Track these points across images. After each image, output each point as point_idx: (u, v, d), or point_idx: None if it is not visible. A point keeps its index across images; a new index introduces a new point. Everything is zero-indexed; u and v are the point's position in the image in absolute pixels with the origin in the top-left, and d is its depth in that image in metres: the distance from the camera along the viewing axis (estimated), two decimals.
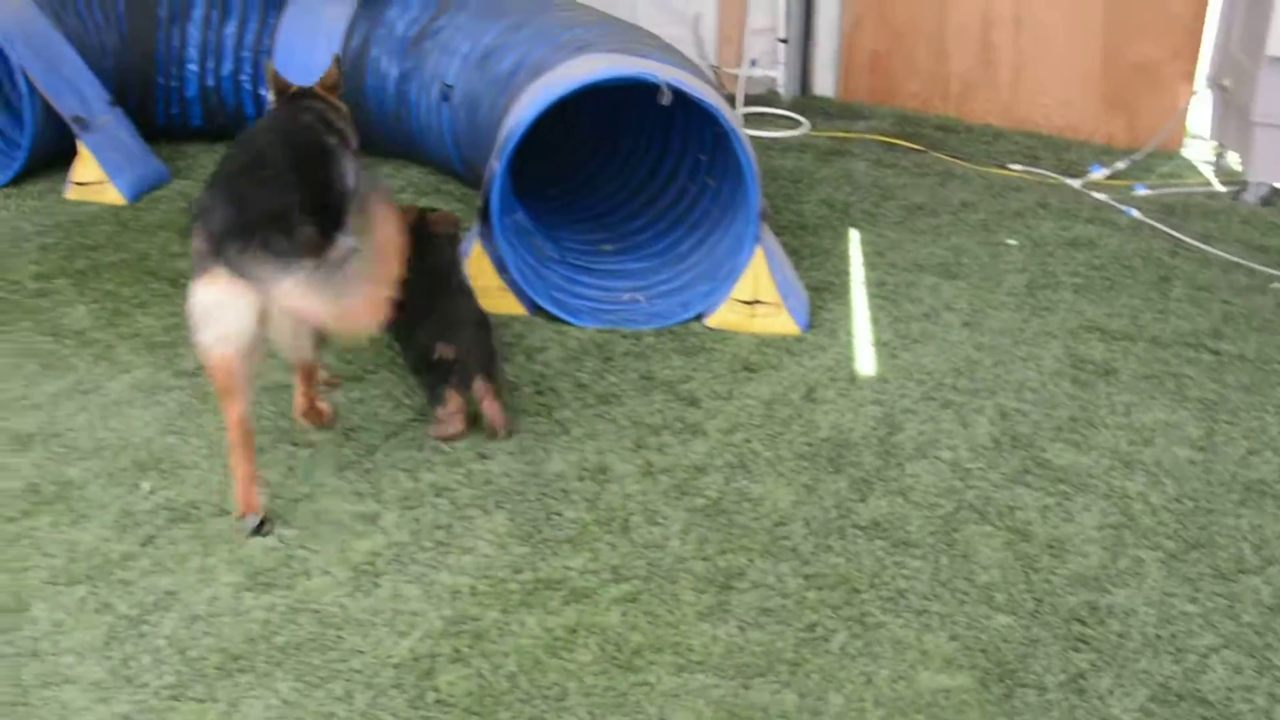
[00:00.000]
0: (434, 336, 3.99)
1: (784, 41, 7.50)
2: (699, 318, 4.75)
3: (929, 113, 7.34)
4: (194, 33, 6.36)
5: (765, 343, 4.62)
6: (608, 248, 5.25)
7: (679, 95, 4.48)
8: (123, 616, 3.23)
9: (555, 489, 3.76)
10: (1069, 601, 3.35)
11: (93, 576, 3.37)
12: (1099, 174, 6.39)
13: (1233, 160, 6.44)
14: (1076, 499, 3.78)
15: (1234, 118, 6.21)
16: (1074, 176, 6.37)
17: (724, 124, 4.55)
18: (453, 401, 4.00)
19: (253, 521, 3.56)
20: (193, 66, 6.39)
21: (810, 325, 4.74)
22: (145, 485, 3.76)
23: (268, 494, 3.67)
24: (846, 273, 5.23)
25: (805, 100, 7.62)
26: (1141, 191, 6.18)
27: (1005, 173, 6.46)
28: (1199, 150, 6.80)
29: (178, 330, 4.63)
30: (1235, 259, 5.41)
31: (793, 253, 5.23)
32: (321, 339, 3.72)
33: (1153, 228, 5.74)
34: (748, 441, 4.02)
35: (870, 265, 5.31)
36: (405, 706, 2.96)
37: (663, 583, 3.37)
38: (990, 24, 7.05)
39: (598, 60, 4.69)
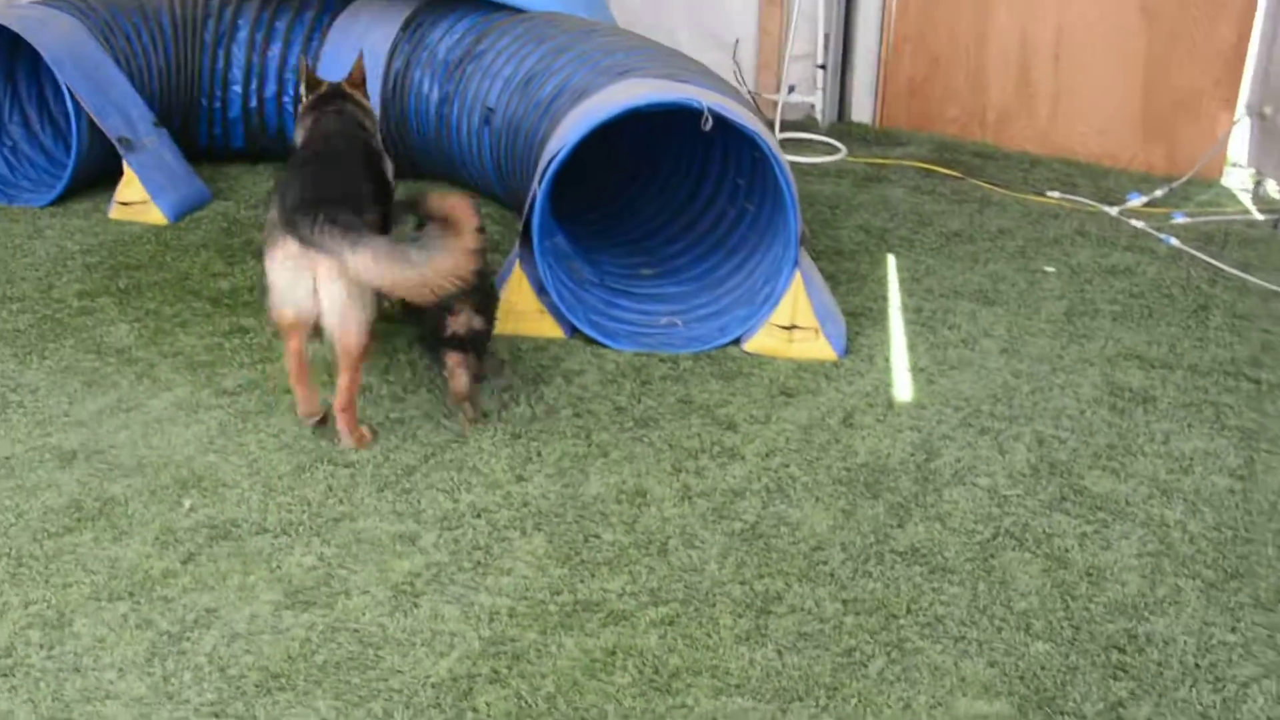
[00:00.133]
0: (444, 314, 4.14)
1: (822, 68, 7.51)
2: (736, 342, 4.76)
3: (967, 139, 7.34)
4: (238, 55, 6.44)
5: (802, 368, 4.63)
6: (646, 271, 5.27)
7: (720, 120, 4.50)
8: (164, 633, 3.25)
9: (593, 511, 3.77)
10: (1107, 629, 3.33)
11: (134, 593, 3.40)
12: (1137, 202, 6.37)
13: (1272, 188, 6.42)
14: (1115, 526, 3.76)
15: (1274, 146, 6.19)
16: (1112, 204, 6.36)
17: (765, 149, 4.56)
18: (452, 359, 4.18)
19: (312, 422, 4.15)
20: (236, 88, 6.47)
21: (847, 351, 4.75)
22: (186, 503, 3.79)
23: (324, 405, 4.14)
24: (884, 298, 5.24)
25: (843, 126, 7.63)
26: (1180, 219, 6.16)
27: (1043, 200, 6.45)
28: (1238, 178, 6.78)
29: (219, 349, 4.69)
30: (1274, 288, 5.38)
31: (830, 278, 5.24)
32: (369, 325, 4.00)
33: (1191, 256, 5.72)
34: (785, 466, 4.02)
35: (908, 291, 5.31)
36: None
37: (701, 606, 3.37)
38: (1029, 52, 7.06)
39: (640, 85, 4.71)
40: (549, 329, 4.75)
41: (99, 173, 6.05)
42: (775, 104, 7.47)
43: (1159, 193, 6.42)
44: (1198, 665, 3.22)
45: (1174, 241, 5.87)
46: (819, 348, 4.67)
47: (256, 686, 3.08)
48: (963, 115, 7.38)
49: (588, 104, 4.73)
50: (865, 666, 3.18)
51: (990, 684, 3.14)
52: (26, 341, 4.73)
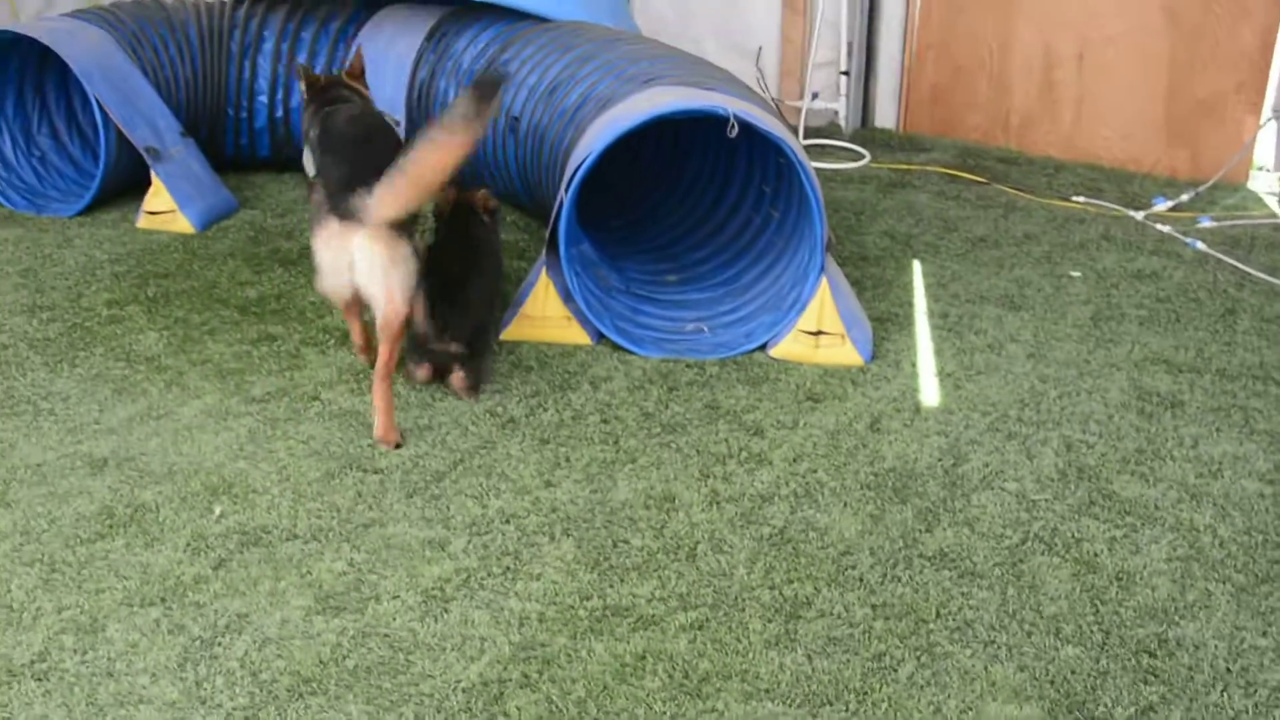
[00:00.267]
0: (444, 325, 4.39)
1: (846, 74, 7.53)
2: (763, 348, 4.76)
3: (990, 145, 7.34)
4: (264, 65, 6.48)
5: (829, 373, 4.63)
6: (672, 278, 5.28)
7: (745, 126, 4.51)
8: (196, 638, 3.27)
9: (622, 517, 3.78)
10: (1138, 634, 3.33)
11: (166, 599, 3.42)
12: (1162, 206, 6.36)
13: None
14: (1144, 531, 3.75)
15: None
16: (1137, 209, 6.35)
17: (791, 155, 4.57)
18: (422, 371, 4.47)
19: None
20: (262, 98, 6.52)
21: (874, 356, 4.75)
22: (216, 509, 3.81)
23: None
24: (909, 304, 5.24)
25: (866, 132, 7.64)
26: (1206, 224, 6.15)
27: (1068, 205, 6.44)
28: (1264, 182, 6.77)
29: (247, 357, 4.72)
30: None
31: (855, 284, 5.24)
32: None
33: (1218, 260, 5.71)
34: (813, 471, 4.03)
35: (933, 297, 5.31)
36: None
37: (730, 611, 3.38)
38: (1052, 57, 7.05)
39: (665, 93, 4.73)
40: (576, 336, 4.77)
41: (127, 183, 6.11)
42: (799, 111, 7.48)
43: (1184, 197, 6.41)
44: (1229, 670, 3.21)
45: (1200, 246, 5.85)
46: (845, 353, 4.68)
47: (288, 691, 3.10)
48: (986, 121, 7.38)
49: (613, 112, 4.75)
50: (895, 671, 3.18)
51: (1020, 688, 3.13)
52: (57, 350, 4.77)
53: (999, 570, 3.56)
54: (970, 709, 3.07)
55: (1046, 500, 3.89)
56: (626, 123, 4.54)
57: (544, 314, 4.75)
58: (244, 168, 6.63)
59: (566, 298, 4.74)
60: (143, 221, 5.96)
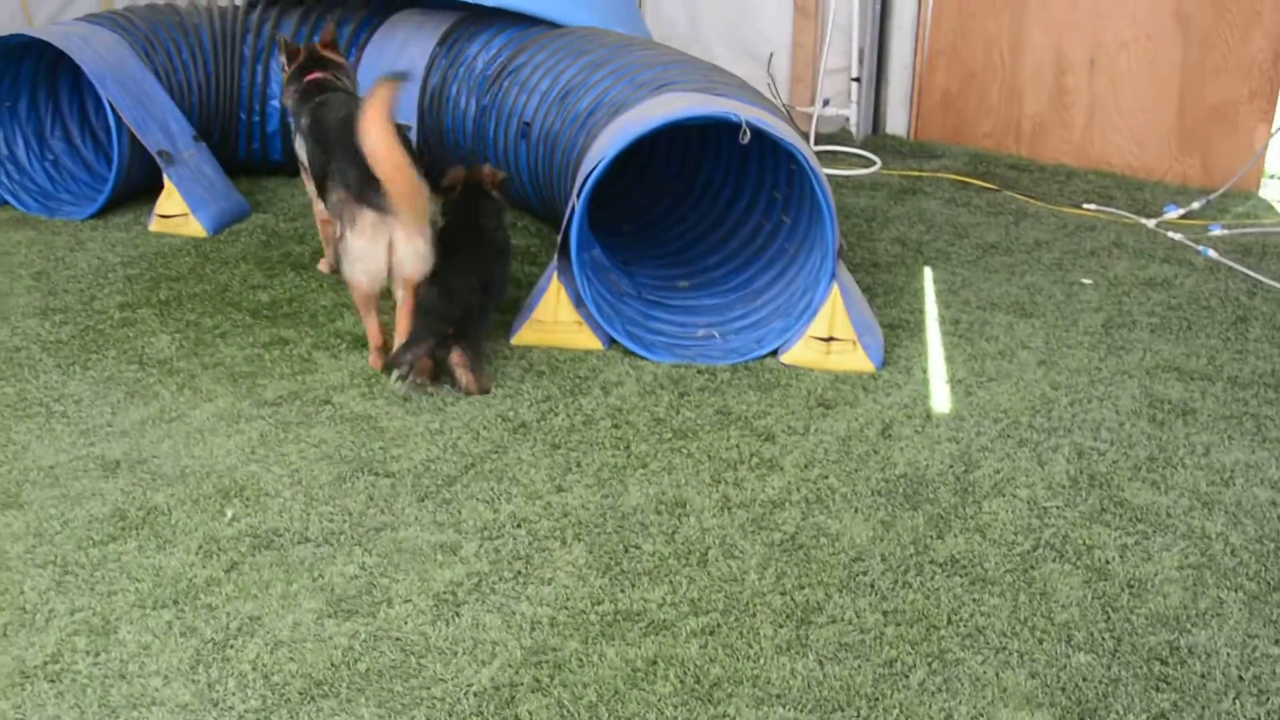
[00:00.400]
0: (442, 303, 4.49)
1: (857, 81, 7.53)
2: (774, 354, 4.77)
3: (1002, 152, 7.34)
4: (277, 70, 6.49)
5: (840, 379, 4.63)
6: (683, 284, 5.28)
7: (757, 133, 4.51)
8: (208, 641, 3.28)
9: (633, 522, 3.78)
10: (1149, 641, 3.32)
11: (178, 601, 3.43)
12: (1174, 214, 6.35)
13: None
14: (1155, 538, 3.75)
15: None
16: (1149, 216, 6.34)
17: (803, 161, 4.57)
18: (422, 365, 4.49)
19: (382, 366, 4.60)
20: (275, 103, 6.54)
21: (885, 362, 4.75)
22: (228, 512, 3.82)
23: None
24: (921, 310, 5.24)
25: (877, 139, 7.64)
26: (1217, 231, 6.14)
27: (1079, 212, 6.44)
28: (1276, 190, 6.75)
29: (259, 360, 4.73)
30: None
31: (866, 290, 5.24)
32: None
33: (1229, 268, 5.70)
34: (824, 477, 4.03)
35: (944, 303, 5.31)
36: None
37: (741, 616, 3.38)
38: (1064, 65, 7.05)
39: (678, 99, 4.73)
40: (587, 341, 4.77)
41: (139, 186, 6.13)
42: (810, 117, 7.49)
43: (1196, 205, 6.39)
44: (1241, 678, 3.20)
45: (1211, 253, 5.84)
46: (857, 359, 4.68)
47: (300, 694, 3.10)
48: (998, 128, 7.38)
49: (625, 117, 4.76)
50: (906, 677, 3.18)
51: (1032, 695, 3.13)
52: (69, 352, 4.78)
53: (1010, 577, 3.56)
54: (981, 715, 3.07)
55: (1058, 507, 3.89)
56: (639, 128, 4.54)
57: (555, 319, 4.75)
58: (256, 172, 6.65)
59: (578, 303, 4.74)
60: (155, 225, 5.97)
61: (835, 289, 4.66)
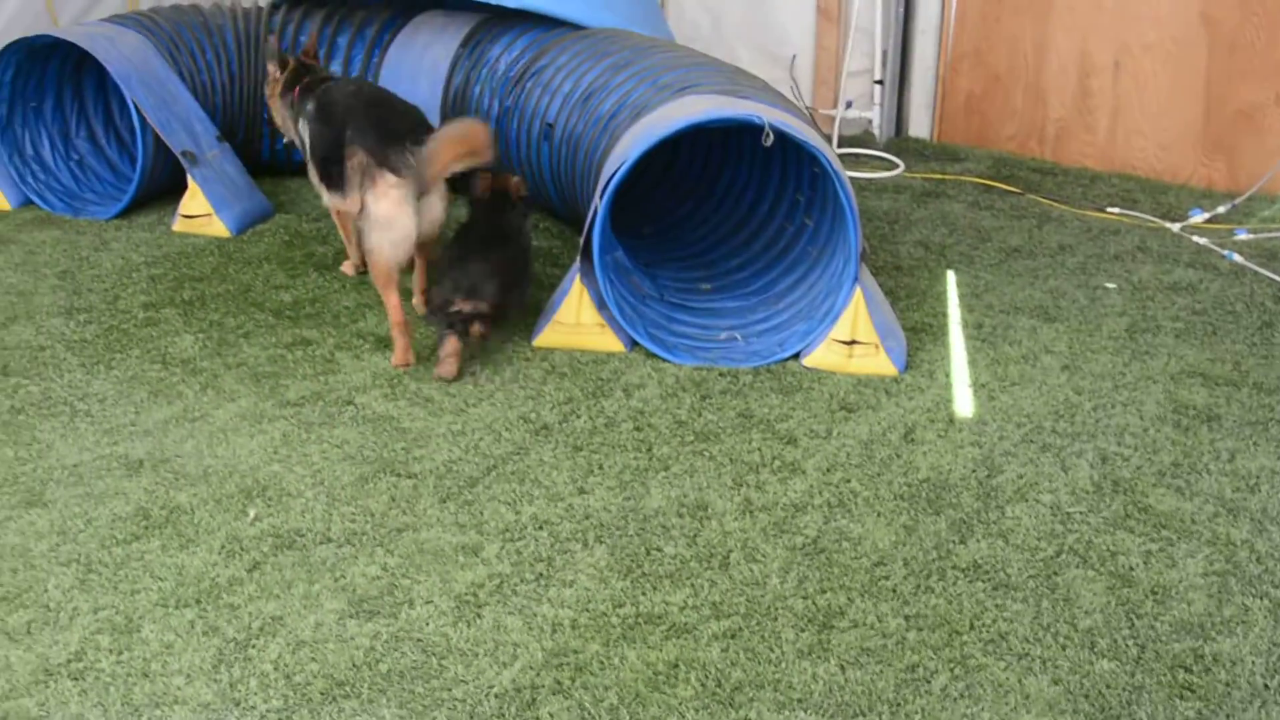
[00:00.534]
0: (457, 288, 4.59)
1: (879, 83, 7.51)
2: (796, 357, 4.76)
3: (1025, 155, 7.31)
4: None
5: (863, 383, 4.62)
6: (705, 286, 5.28)
7: (780, 135, 4.50)
8: (230, 640, 3.29)
9: (655, 524, 3.78)
10: (1173, 648, 3.30)
11: (201, 600, 3.44)
12: (1199, 218, 6.32)
13: None
14: (1180, 545, 3.73)
15: None
16: (1173, 220, 6.31)
17: (826, 164, 4.57)
18: (449, 344, 4.59)
19: (406, 368, 4.69)
20: None
21: (908, 366, 4.73)
22: (251, 512, 3.83)
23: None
24: (944, 314, 5.22)
25: (900, 142, 7.62)
26: (1243, 236, 6.11)
27: (1103, 216, 6.41)
28: None
29: (282, 360, 4.74)
30: None
31: (889, 293, 5.23)
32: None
33: (1255, 272, 5.67)
34: (846, 481, 4.02)
35: (967, 307, 5.29)
36: None
37: (763, 620, 3.37)
38: (1089, 68, 7.02)
39: (700, 101, 4.73)
40: (609, 343, 4.77)
41: (163, 186, 6.15)
42: (833, 119, 7.47)
43: (1221, 209, 6.36)
44: (1266, 686, 3.18)
45: (1237, 258, 5.81)
46: (879, 363, 4.66)
47: (321, 694, 3.11)
48: (1021, 131, 7.35)
49: (648, 120, 4.75)
50: (928, 683, 3.17)
51: (1055, 702, 3.12)
52: (94, 352, 4.80)
53: (1033, 583, 3.55)
54: None
55: (1081, 513, 3.87)
56: (661, 131, 4.54)
57: (577, 321, 4.75)
58: (279, 172, 6.67)
59: (600, 305, 4.74)
60: (179, 225, 5.99)
61: (858, 292, 4.65)
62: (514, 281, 4.78)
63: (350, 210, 4.79)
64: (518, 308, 4.84)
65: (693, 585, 3.51)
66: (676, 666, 3.19)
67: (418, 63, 6.23)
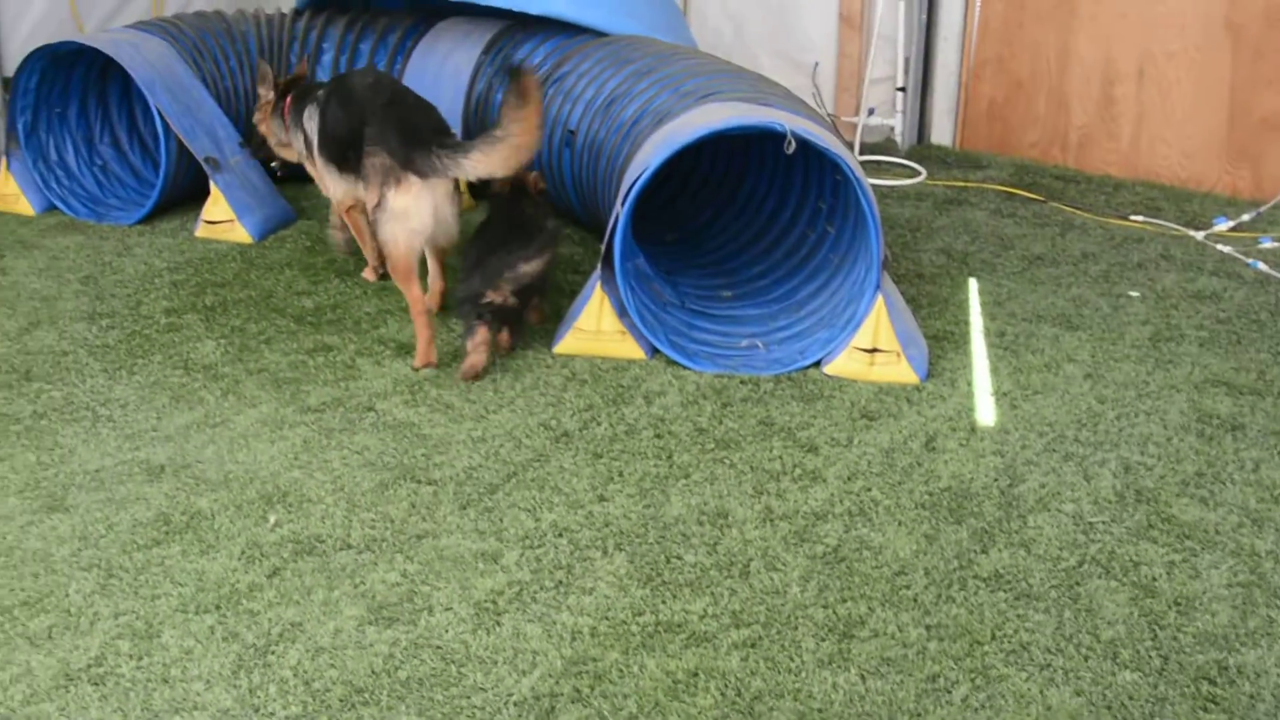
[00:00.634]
0: (490, 281, 4.65)
1: (902, 90, 7.50)
2: (817, 364, 4.74)
3: (1048, 163, 7.29)
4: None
5: (884, 391, 4.60)
6: (726, 293, 5.27)
7: (802, 143, 4.49)
8: (249, 646, 3.29)
9: (675, 532, 3.77)
10: (1197, 660, 3.28)
11: (220, 606, 3.44)
12: (1223, 226, 6.28)
13: None
14: (1204, 555, 3.70)
15: None
16: (1197, 228, 6.28)
17: (848, 172, 4.55)
18: (479, 334, 4.65)
19: (429, 371, 4.73)
20: None
21: (929, 374, 4.72)
22: (271, 518, 3.83)
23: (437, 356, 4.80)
24: (966, 322, 5.20)
25: (923, 149, 7.61)
26: (1268, 244, 6.07)
27: (1126, 224, 6.38)
28: None
29: (303, 366, 4.75)
30: None
31: (911, 301, 5.21)
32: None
33: None
34: (867, 490, 4.00)
35: (990, 315, 5.27)
36: None
37: (783, 629, 3.36)
38: (1113, 75, 6.99)
39: (722, 109, 4.72)
40: (630, 350, 4.76)
41: (186, 192, 6.18)
42: (855, 126, 7.46)
43: (1246, 217, 6.33)
44: None
45: (1262, 266, 5.78)
46: (901, 371, 4.65)
47: (340, 701, 3.10)
48: (1044, 138, 7.33)
49: (670, 127, 4.75)
50: (949, 693, 3.15)
51: (1077, 713, 3.09)
52: (116, 357, 4.82)
53: (1055, 593, 3.52)
54: None
55: (1104, 523, 3.85)
56: (683, 138, 4.54)
57: (598, 328, 4.75)
58: (301, 178, 6.66)
59: (621, 312, 4.74)
60: (201, 230, 6.02)
61: (880, 300, 4.64)
62: (538, 274, 4.83)
63: (369, 200, 4.82)
64: (541, 296, 4.96)
65: (713, 594, 3.50)
66: (696, 675, 3.18)
67: (440, 69, 6.25)
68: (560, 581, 3.54)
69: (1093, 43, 7.03)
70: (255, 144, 5.77)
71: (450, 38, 6.37)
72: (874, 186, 6.00)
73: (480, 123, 6.12)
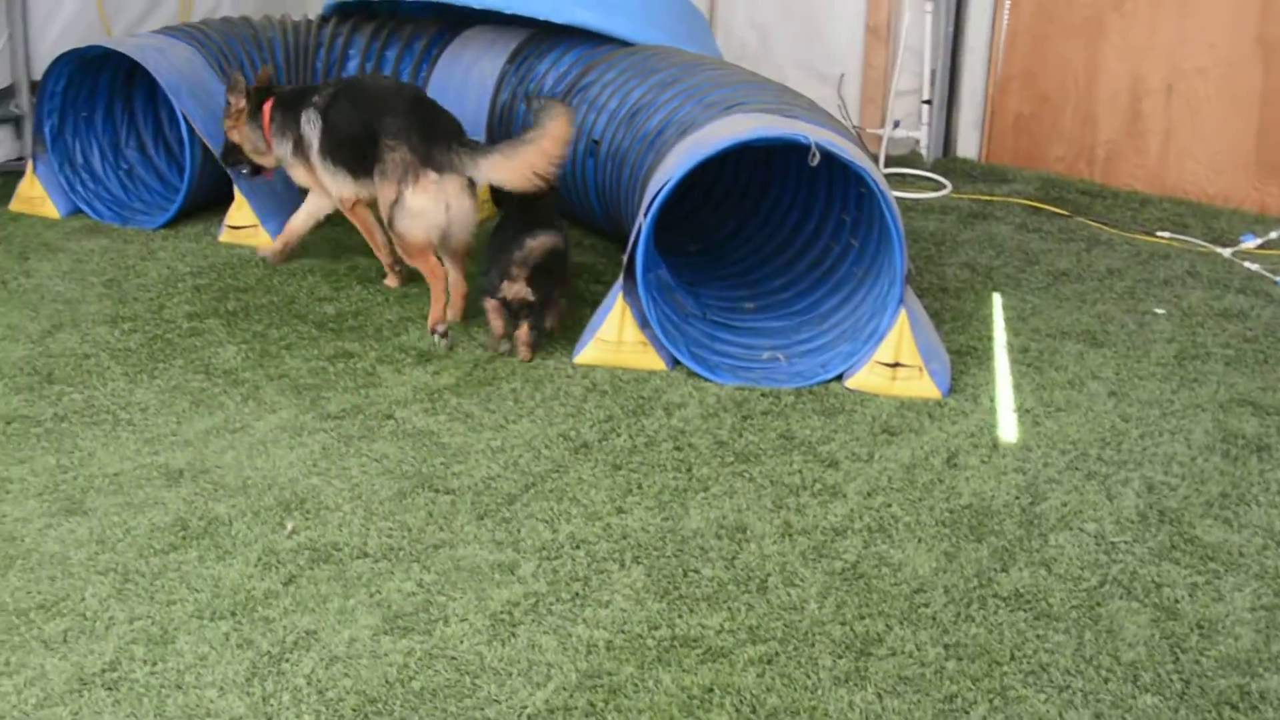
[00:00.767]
0: (504, 275, 4.80)
1: (928, 103, 7.47)
2: (839, 378, 4.72)
3: (1074, 177, 7.25)
4: None
5: (906, 406, 4.57)
6: (748, 305, 5.25)
7: (827, 155, 4.47)
8: (264, 654, 3.28)
9: (693, 546, 3.75)
10: (1219, 684, 3.24)
11: (236, 612, 3.43)
12: (1251, 243, 6.24)
13: None
14: (1227, 578, 3.66)
15: None
16: (1224, 245, 6.24)
17: (873, 185, 4.53)
18: (497, 329, 4.87)
19: (440, 330, 4.97)
20: None
21: (951, 390, 4.69)
22: (288, 525, 3.82)
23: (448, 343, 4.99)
24: (989, 338, 5.17)
25: (948, 162, 7.58)
26: None
27: (1153, 240, 6.34)
28: None
29: (324, 373, 4.75)
30: None
31: (934, 315, 5.18)
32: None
33: None
34: (887, 506, 3.97)
35: (1013, 331, 5.24)
36: None
37: (800, 645, 3.33)
38: (1141, 90, 6.95)
39: (747, 120, 4.71)
40: (651, 361, 4.75)
41: (210, 197, 6.20)
42: (880, 139, 7.43)
43: (1274, 234, 6.28)
44: None
45: None
46: (923, 386, 4.62)
47: (354, 711, 3.09)
48: (1070, 152, 7.29)
49: (694, 138, 4.74)
50: (967, 714, 3.12)
51: None
52: (137, 361, 4.83)
53: (1076, 613, 3.49)
54: None
55: (1126, 543, 3.81)
56: (707, 149, 4.52)
57: (620, 339, 4.74)
58: None
59: (643, 323, 4.72)
60: (225, 235, 6.04)
61: (902, 314, 4.61)
62: (556, 268, 4.92)
63: (387, 196, 4.98)
64: (561, 286, 5.05)
65: (729, 608, 3.47)
66: (711, 691, 3.16)
67: (465, 77, 6.24)
68: (577, 593, 3.52)
69: (1121, 57, 6.99)
70: (226, 149, 5.78)
71: (475, 46, 6.37)
72: (898, 199, 5.97)
73: (504, 131, 6.11)
